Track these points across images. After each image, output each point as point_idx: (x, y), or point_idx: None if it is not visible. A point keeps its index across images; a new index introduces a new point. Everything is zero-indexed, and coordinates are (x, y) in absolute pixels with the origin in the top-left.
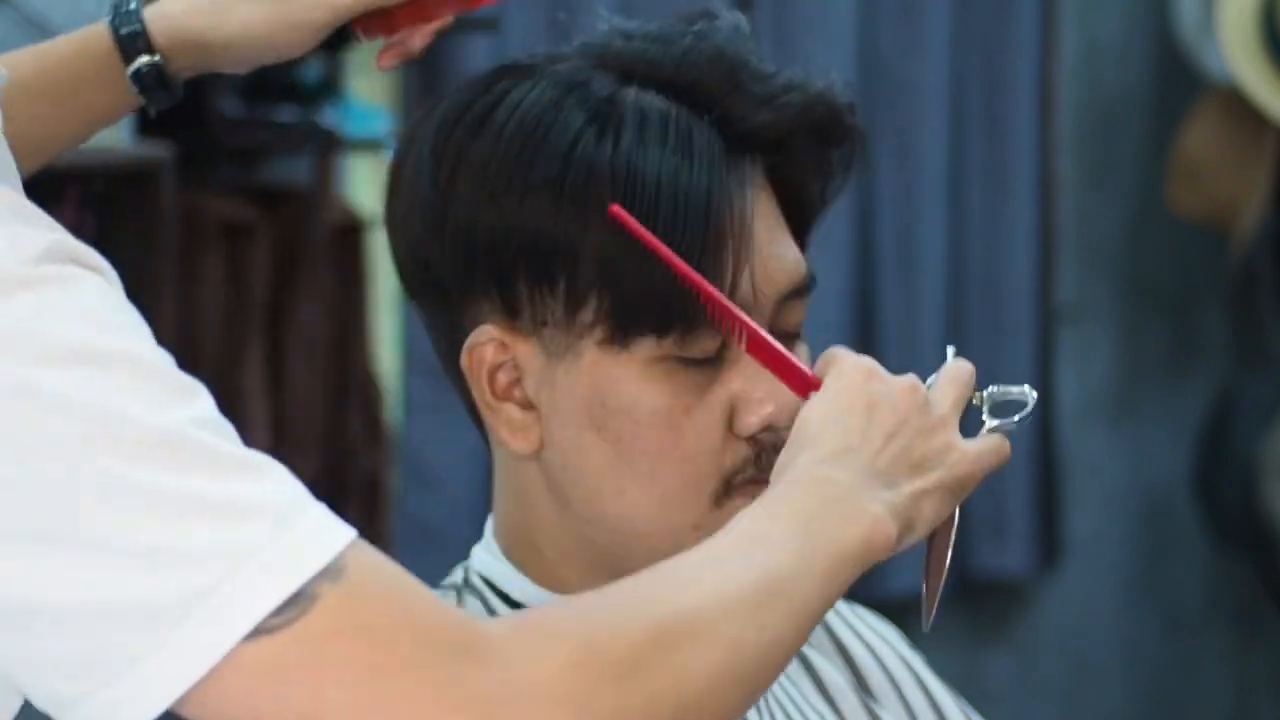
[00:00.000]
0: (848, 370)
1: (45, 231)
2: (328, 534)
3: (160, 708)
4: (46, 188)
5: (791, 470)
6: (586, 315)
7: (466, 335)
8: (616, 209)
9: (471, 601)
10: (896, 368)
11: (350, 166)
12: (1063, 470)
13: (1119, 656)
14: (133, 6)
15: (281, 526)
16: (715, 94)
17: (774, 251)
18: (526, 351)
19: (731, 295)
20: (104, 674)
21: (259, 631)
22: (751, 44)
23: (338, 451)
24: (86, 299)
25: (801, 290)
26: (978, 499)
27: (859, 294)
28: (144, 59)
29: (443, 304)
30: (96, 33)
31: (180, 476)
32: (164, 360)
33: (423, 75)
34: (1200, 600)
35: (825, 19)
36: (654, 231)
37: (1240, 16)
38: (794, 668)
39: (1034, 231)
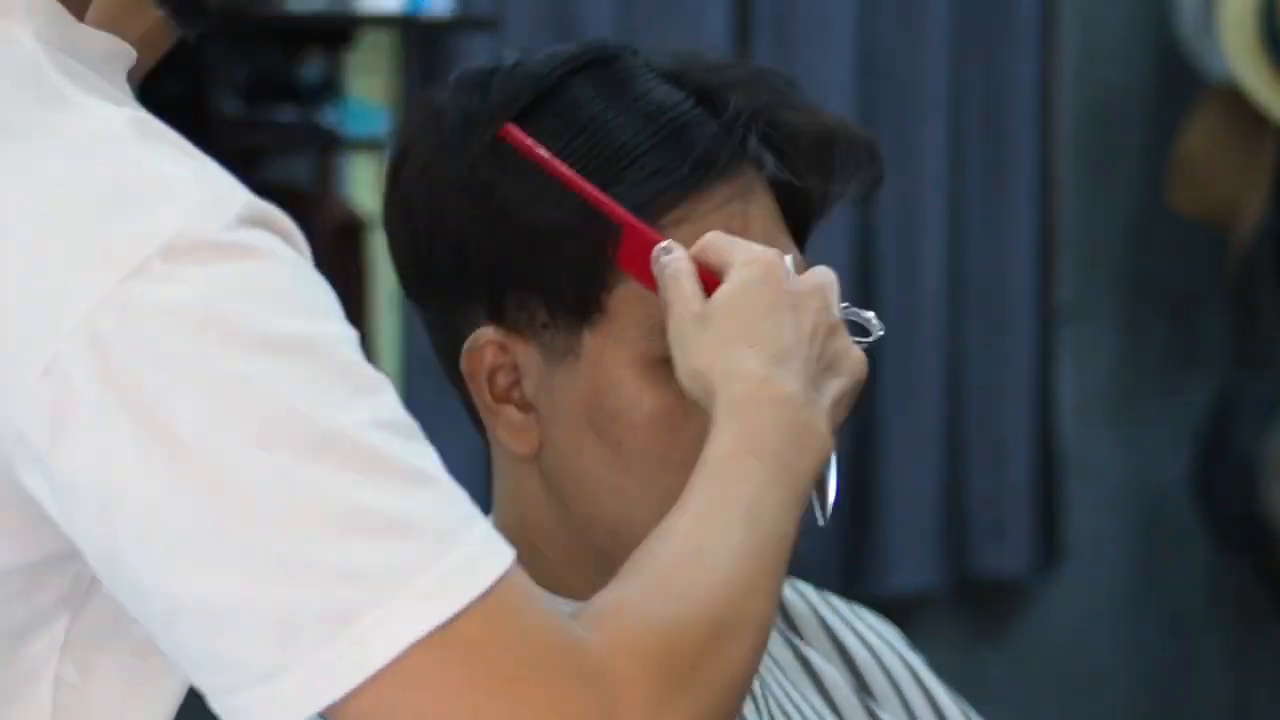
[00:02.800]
0: (758, 258)
1: (239, 190)
2: (485, 562)
3: None
4: None
5: (743, 374)
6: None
7: (466, 337)
8: (510, 129)
9: None
10: (896, 367)
11: (350, 166)
12: (1063, 470)
13: (1119, 656)
14: None
15: (439, 552)
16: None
17: None
18: (526, 354)
19: None
20: (240, 677)
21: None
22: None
23: None
24: (280, 275)
25: None
26: (978, 499)
27: (859, 294)
28: None
29: (441, 306)
30: None
31: (346, 487)
32: (350, 348)
33: (422, 75)
34: (1200, 600)
35: (825, 19)
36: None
37: (1240, 16)
38: (794, 668)
39: (1034, 231)
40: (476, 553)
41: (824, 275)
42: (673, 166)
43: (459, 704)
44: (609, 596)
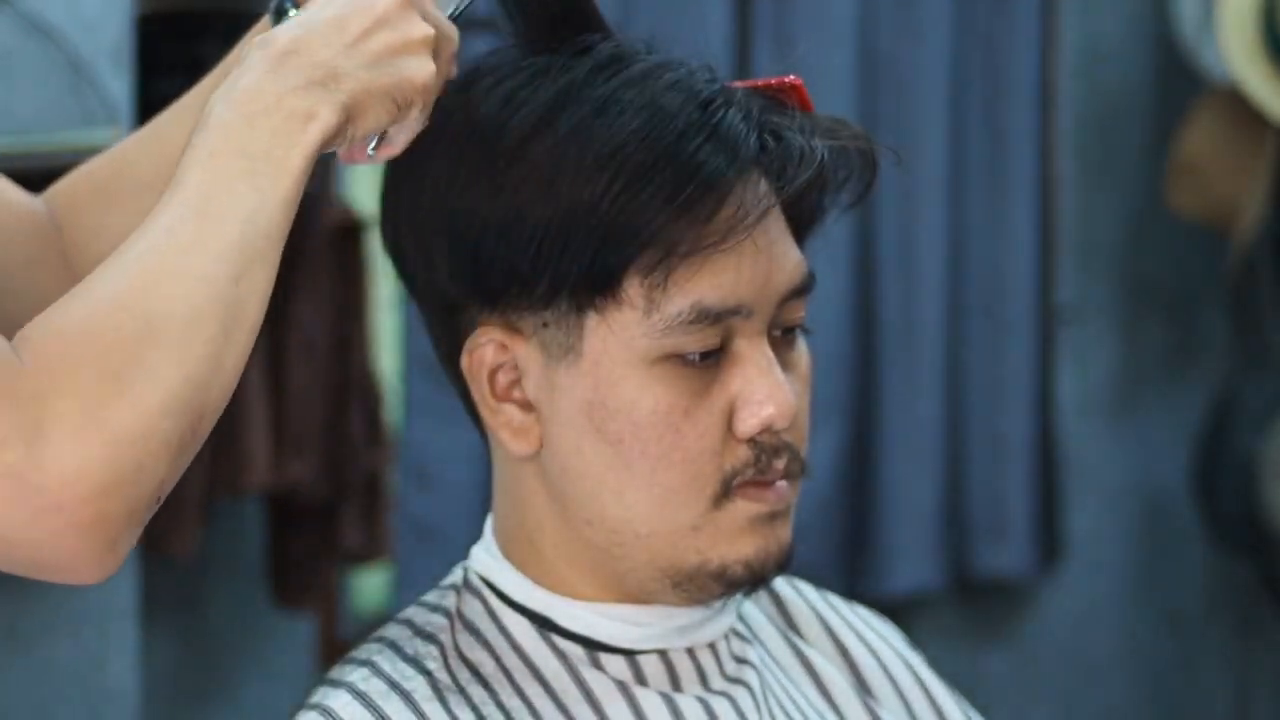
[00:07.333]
0: None
1: None
2: None
3: None
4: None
5: (235, 72)
6: (559, 297)
7: (467, 336)
8: None
9: (471, 602)
10: (896, 368)
11: (349, 167)
12: (1063, 470)
13: (1119, 656)
14: None
15: None
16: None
17: (776, 253)
18: (526, 352)
19: (735, 297)
20: None
21: None
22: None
23: (338, 451)
24: None
25: (802, 290)
26: (978, 499)
27: (859, 294)
28: (290, 16)
29: (442, 304)
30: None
31: None
32: None
33: None
34: (1200, 600)
35: (825, 19)
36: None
37: (1240, 17)
38: (794, 667)
39: (1034, 231)
40: None
41: None
42: (686, 190)
43: None
44: (47, 312)
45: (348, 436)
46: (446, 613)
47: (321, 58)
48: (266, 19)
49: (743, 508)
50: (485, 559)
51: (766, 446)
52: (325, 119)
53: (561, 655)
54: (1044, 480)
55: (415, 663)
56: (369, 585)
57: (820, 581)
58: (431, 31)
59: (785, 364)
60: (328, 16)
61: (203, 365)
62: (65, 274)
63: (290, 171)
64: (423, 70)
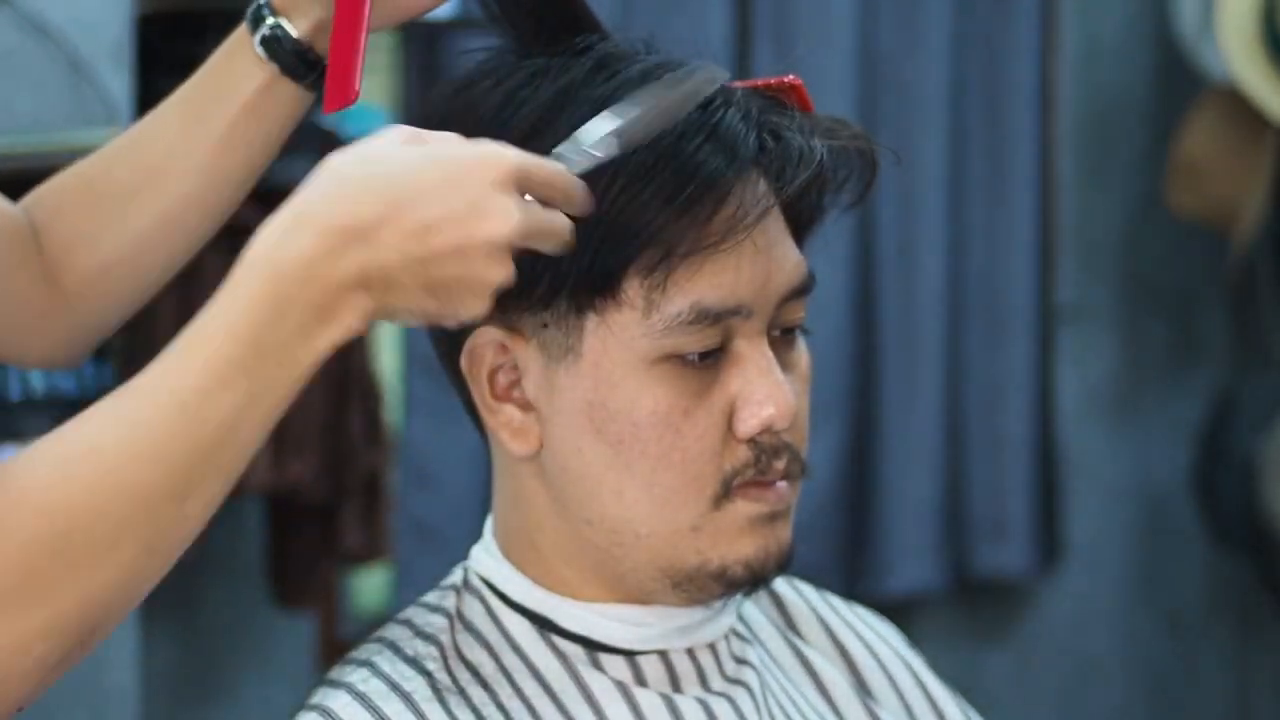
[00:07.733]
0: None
1: None
2: None
3: None
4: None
5: (290, 215)
6: (558, 297)
7: (467, 336)
8: None
9: (471, 602)
10: (896, 367)
11: None
12: (1063, 470)
13: (1119, 656)
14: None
15: None
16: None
17: (775, 254)
18: (526, 353)
19: (735, 297)
20: None
21: None
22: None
23: (338, 451)
24: None
25: (801, 290)
26: (978, 499)
27: (859, 294)
28: (267, 24)
29: None
30: (237, 31)
31: None
32: None
33: (422, 75)
34: (1200, 600)
35: (825, 19)
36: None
37: (1240, 17)
38: (794, 667)
39: (1034, 231)
40: None
41: (500, 161)
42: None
43: None
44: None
45: (348, 436)
46: (446, 613)
47: (386, 261)
48: (244, 27)
49: (743, 508)
50: (485, 559)
51: (766, 447)
52: (349, 326)
53: (561, 656)
54: (1044, 480)
55: (415, 663)
56: (369, 585)
57: (820, 581)
58: (507, 274)
59: (785, 364)
60: (418, 218)
61: (107, 591)
62: (41, 281)
63: (295, 377)
64: (474, 309)
